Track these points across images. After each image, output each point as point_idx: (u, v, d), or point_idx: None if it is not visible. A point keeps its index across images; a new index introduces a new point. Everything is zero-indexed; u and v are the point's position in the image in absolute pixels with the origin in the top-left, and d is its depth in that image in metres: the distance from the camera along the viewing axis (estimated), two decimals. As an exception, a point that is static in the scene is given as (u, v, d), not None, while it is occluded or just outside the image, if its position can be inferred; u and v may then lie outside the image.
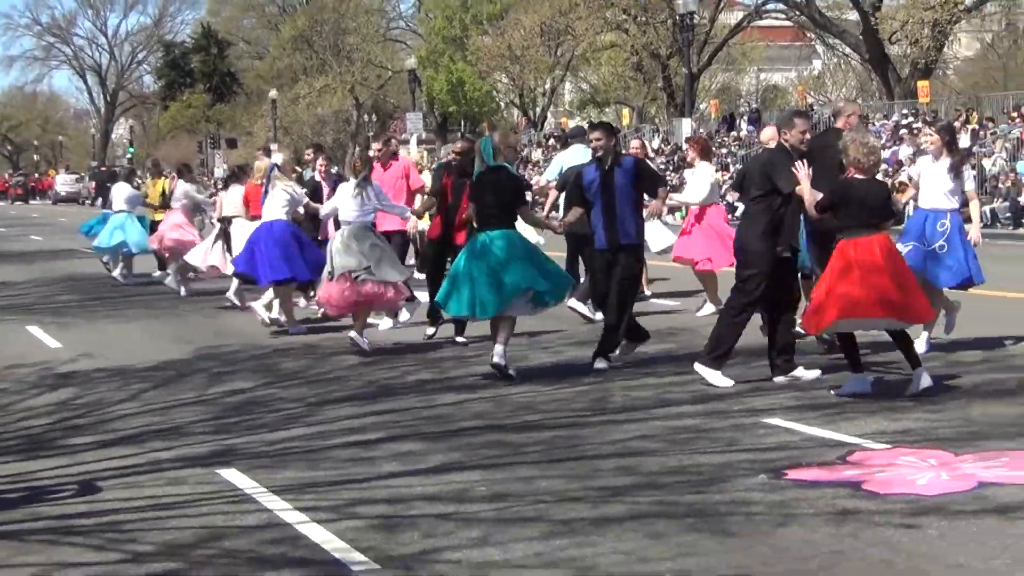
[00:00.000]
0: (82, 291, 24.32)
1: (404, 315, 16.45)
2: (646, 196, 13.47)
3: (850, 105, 15.07)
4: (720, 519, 7.54)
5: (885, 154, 40.11)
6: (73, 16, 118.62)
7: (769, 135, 14.43)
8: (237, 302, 18.74)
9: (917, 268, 12.61)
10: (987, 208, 18.48)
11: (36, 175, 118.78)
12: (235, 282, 18.59)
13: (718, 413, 10.71)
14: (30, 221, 61.76)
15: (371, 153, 17.28)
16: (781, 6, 58.98)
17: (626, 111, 67.97)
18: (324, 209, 15.98)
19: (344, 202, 14.72)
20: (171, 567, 7.07)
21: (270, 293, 16.78)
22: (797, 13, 58.03)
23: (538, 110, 78.74)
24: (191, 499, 8.50)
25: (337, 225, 15.41)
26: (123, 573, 6.99)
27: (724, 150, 50.56)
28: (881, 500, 7.84)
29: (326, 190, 17.50)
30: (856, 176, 11.13)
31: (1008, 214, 34.12)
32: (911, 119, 45.56)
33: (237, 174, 20.68)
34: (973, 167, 15.12)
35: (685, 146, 18.09)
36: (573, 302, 16.10)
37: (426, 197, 16.38)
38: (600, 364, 12.89)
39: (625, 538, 7.21)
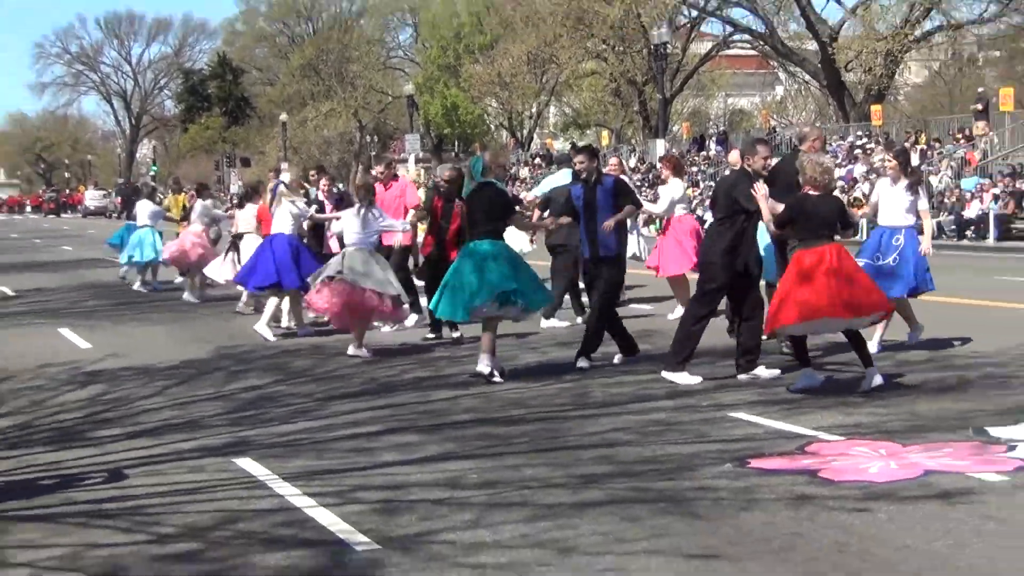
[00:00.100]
0: (109, 296, 24.28)
1: (411, 319, 16.54)
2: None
3: (815, 131, 15.20)
4: (689, 504, 7.57)
5: (841, 172, 40.29)
6: (100, 46, 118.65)
7: (736, 157, 14.54)
8: (246, 311, 18.88)
9: (901, 288, 13.10)
10: (934, 221, 18.51)
11: (67, 191, 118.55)
12: (244, 294, 18.80)
13: (688, 407, 10.74)
14: (61, 233, 61.60)
15: (374, 173, 17.40)
16: (747, 37, 59.01)
17: (605, 133, 68.07)
18: (334, 228, 16.00)
19: (350, 225, 14.73)
20: (191, 547, 7.08)
21: (272, 304, 16.66)
22: (761, 43, 58.11)
23: (525, 132, 78.78)
24: (209, 485, 8.52)
25: (340, 243, 15.52)
26: (148, 553, 7.01)
27: (695, 168, 50.65)
28: (835, 487, 7.87)
29: (328, 207, 17.61)
30: (811, 192, 11.23)
31: (953, 227, 34.24)
32: (865, 140, 45.73)
33: (250, 193, 20.62)
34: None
35: (659, 164, 18.11)
36: (544, 323, 16.21)
37: (419, 210, 16.46)
38: (582, 363, 12.93)
39: (603, 521, 7.24)
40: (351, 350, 14.51)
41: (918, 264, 13.18)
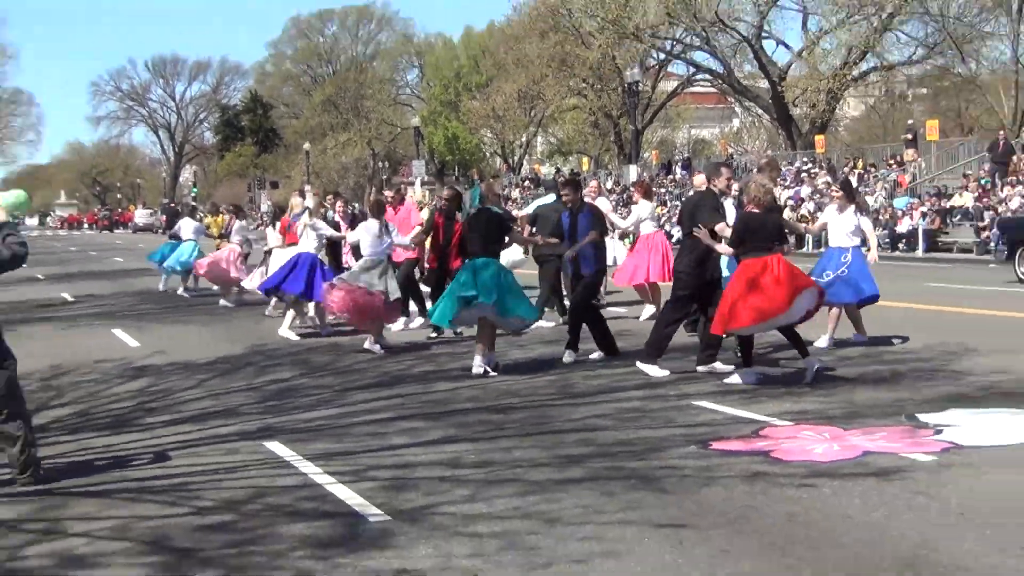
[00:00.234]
0: (156, 301, 24.25)
1: (418, 321, 16.63)
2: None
3: (772, 163, 15.57)
4: (658, 480, 7.57)
5: (790, 193, 40.38)
6: (148, 85, 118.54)
7: (700, 180, 14.64)
8: (274, 314, 18.96)
9: (847, 295, 13.42)
10: (874, 252, 18.55)
11: (119, 210, 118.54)
12: (272, 300, 18.92)
13: (658, 397, 10.73)
14: (113, 247, 61.57)
15: (387, 193, 17.67)
16: (707, 76, 59.10)
17: (585, 159, 68.11)
18: (349, 239, 16.09)
19: (366, 238, 14.82)
20: (227, 519, 7.07)
21: (291, 313, 16.74)
22: (720, 82, 58.21)
23: (516, 158, 78.78)
24: (242, 465, 8.51)
25: (355, 255, 15.64)
26: (189, 524, 7.00)
27: (663, 190, 50.65)
28: (785, 465, 7.87)
29: (344, 226, 17.74)
30: (755, 210, 11.28)
31: (887, 240, 34.28)
32: (810, 166, 45.83)
33: (278, 213, 20.63)
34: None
35: (632, 188, 18.29)
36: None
37: (419, 231, 16.51)
38: (568, 357, 12.97)
39: (583, 495, 7.23)
40: (367, 344, 14.62)
41: (864, 276, 13.51)
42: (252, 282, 20.77)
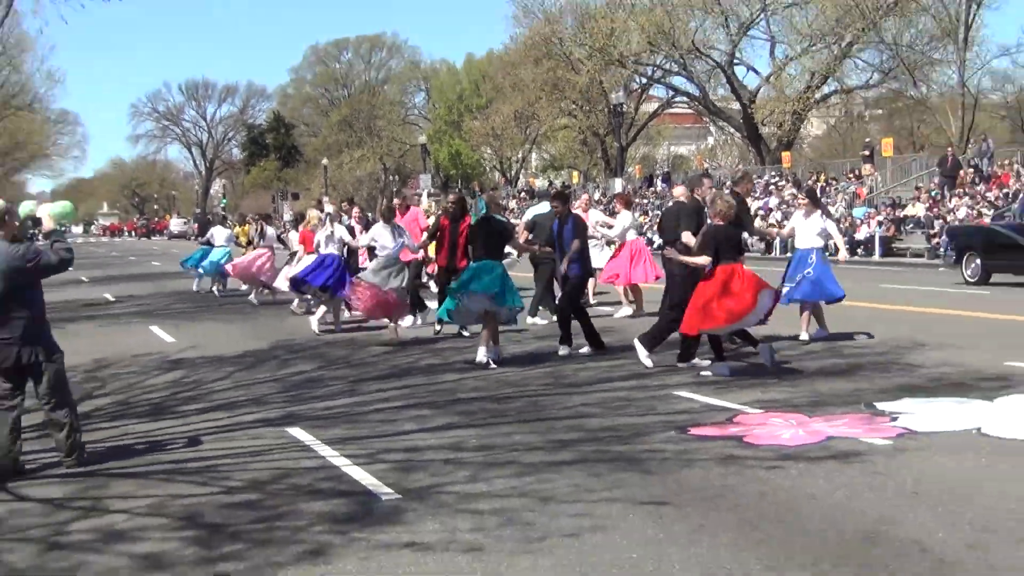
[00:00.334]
0: (189, 301, 24.24)
1: (419, 319, 16.64)
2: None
3: (748, 178, 15.62)
4: (641, 462, 7.56)
5: (760, 203, 40.39)
6: (182, 106, 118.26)
7: (680, 191, 14.59)
8: (298, 311, 18.99)
9: (806, 292, 13.50)
10: (831, 242, 18.58)
11: (155, 219, 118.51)
12: (296, 299, 19.03)
13: (641, 387, 10.72)
14: (150, 252, 61.57)
15: (395, 202, 17.87)
16: (685, 99, 59.14)
17: (575, 173, 68.09)
18: (362, 240, 16.18)
19: (380, 237, 14.95)
20: (253, 497, 7.07)
21: (322, 308, 16.78)
22: (696, 104, 58.21)
23: (513, 172, 78.68)
24: (267, 449, 8.49)
25: (369, 254, 15.69)
26: (219, 502, 6.99)
27: (645, 200, 50.74)
28: (756, 449, 7.86)
29: (359, 229, 17.73)
30: (720, 223, 11.30)
31: (847, 245, 34.31)
32: (777, 179, 45.91)
33: (297, 220, 20.79)
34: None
35: (614, 199, 18.41)
36: (530, 320, 16.28)
37: (425, 236, 16.54)
38: (563, 351, 12.97)
39: (574, 476, 7.22)
40: (386, 336, 14.86)
41: (828, 277, 13.57)
42: (280, 282, 20.80)
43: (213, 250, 25.67)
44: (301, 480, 7.44)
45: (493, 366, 12.32)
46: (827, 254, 14.05)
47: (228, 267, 23.66)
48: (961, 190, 34.63)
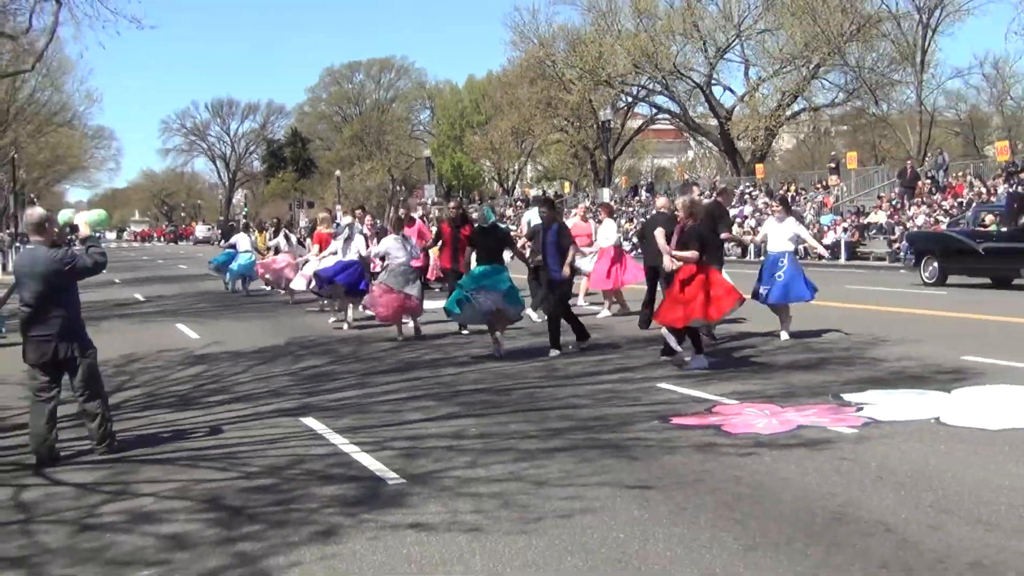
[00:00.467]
0: (212, 301, 24.19)
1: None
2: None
3: (728, 189, 15.68)
4: (628, 449, 7.52)
5: (735, 211, 40.36)
6: (208, 123, 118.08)
7: (662, 201, 14.62)
8: (315, 309, 18.98)
9: (778, 296, 13.33)
10: (801, 247, 18.54)
11: (182, 226, 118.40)
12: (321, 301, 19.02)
13: (627, 380, 10.67)
14: (177, 256, 61.50)
15: (402, 211, 17.85)
16: (667, 116, 59.14)
17: (567, 184, 68.02)
18: (375, 250, 16.03)
19: (392, 250, 14.81)
20: (270, 481, 7.02)
21: (349, 309, 16.80)
22: (677, 120, 58.19)
23: (510, 183, 78.69)
24: (283, 437, 8.44)
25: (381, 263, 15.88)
26: (238, 486, 6.95)
27: (631, 209, 50.74)
28: (733, 437, 7.82)
29: (370, 235, 17.67)
30: (691, 223, 11.23)
31: (827, 254, 34.38)
32: (751, 189, 45.87)
33: (314, 227, 20.83)
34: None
35: (599, 209, 18.43)
36: (531, 312, 16.26)
37: (430, 240, 16.58)
38: (554, 353, 12.69)
39: (565, 462, 7.18)
40: (400, 336, 14.83)
41: (796, 279, 13.42)
42: (299, 283, 20.75)
43: (238, 255, 25.73)
44: (314, 466, 7.39)
45: (499, 356, 12.42)
46: (797, 257, 13.99)
47: (259, 268, 23.68)
48: (919, 199, 34.61)
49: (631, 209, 50.40)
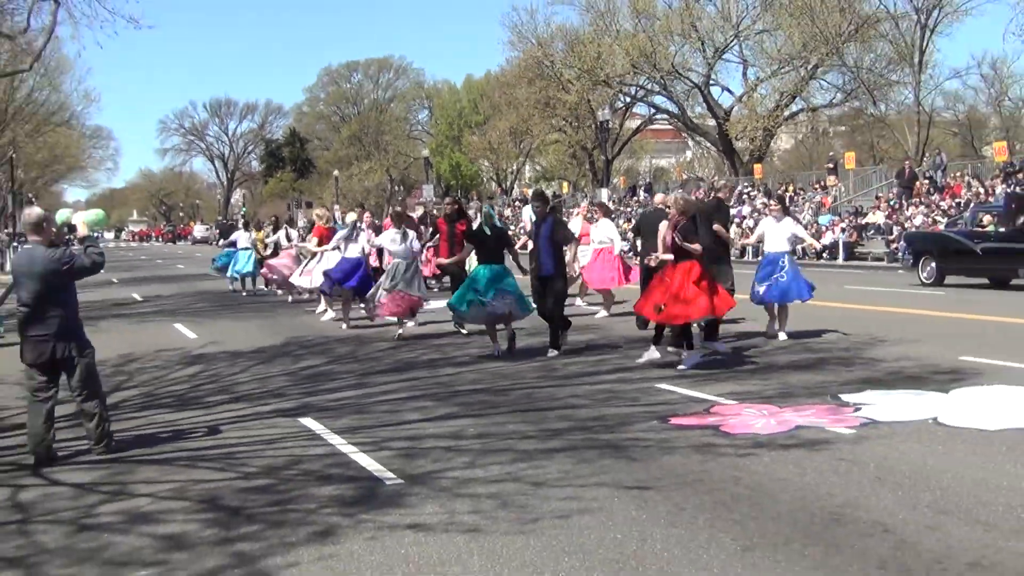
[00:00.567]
0: (210, 301, 24.18)
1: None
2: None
3: (729, 183, 15.66)
4: (626, 450, 7.51)
5: (734, 211, 40.37)
6: (206, 123, 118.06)
7: (661, 198, 14.61)
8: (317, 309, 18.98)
9: (777, 296, 13.31)
10: (800, 247, 18.59)
11: (181, 225, 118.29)
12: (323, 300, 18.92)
13: (626, 380, 10.66)
14: (175, 256, 61.46)
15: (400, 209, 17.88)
16: (665, 116, 59.14)
17: (565, 184, 67.99)
18: (374, 242, 16.08)
19: (391, 242, 14.86)
20: (268, 482, 7.01)
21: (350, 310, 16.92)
22: (675, 120, 58.19)
23: (508, 183, 78.68)
24: (281, 437, 8.43)
25: (379, 256, 15.82)
26: (237, 486, 6.94)
27: (629, 208, 50.74)
28: (732, 438, 7.82)
29: (370, 233, 17.65)
30: (683, 219, 11.22)
31: (820, 249, 34.39)
32: (750, 189, 45.86)
33: (310, 227, 20.88)
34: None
35: (595, 208, 18.36)
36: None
37: (428, 235, 16.64)
38: (552, 353, 12.62)
39: (564, 462, 7.17)
40: (399, 334, 14.85)
41: (796, 280, 13.43)
42: (303, 281, 20.66)
43: (238, 252, 25.78)
44: (312, 466, 7.38)
45: (497, 354, 12.48)
46: (795, 257, 13.99)
47: (265, 269, 23.64)
48: (917, 200, 34.62)
49: (629, 209, 50.41)
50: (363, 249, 16.70)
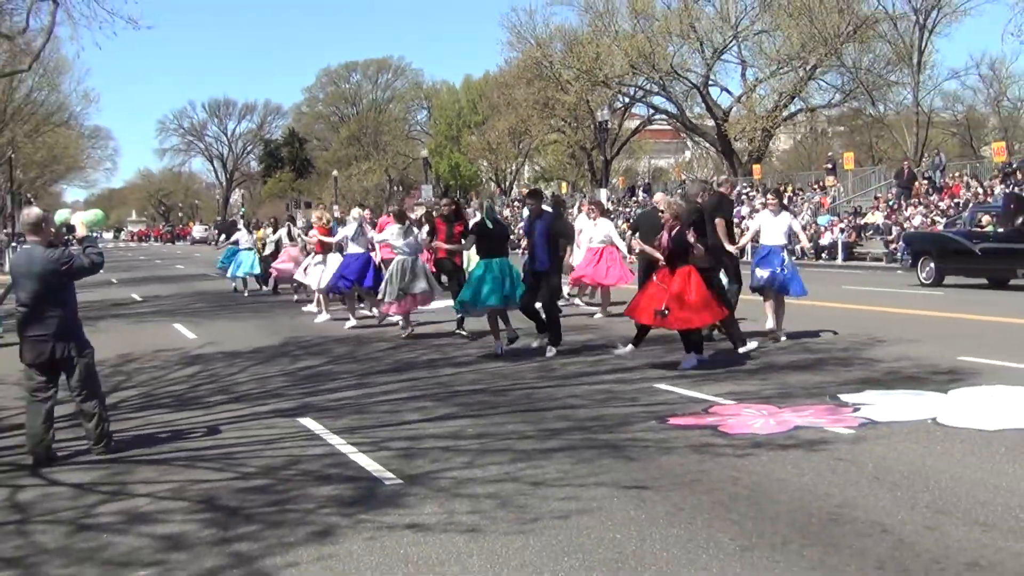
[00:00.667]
0: (209, 301, 24.17)
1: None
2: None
3: (730, 180, 15.71)
4: (625, 450, 7.51)
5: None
6: (205, 123, 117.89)
7: (660, 197, 14.59)
8: (315, 308, 18.97)
9: (778, 286, 13.26)
10: (798, 247, 18.64)
11: (179, 226, 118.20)
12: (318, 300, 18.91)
13: (625, 380, 10.65)
14: (175, 256, 61.42)
15: (395, 208, 17.93)
16: (664, 116, 59.14)
17: (564, 184, 68.05)
18: (378, 237, 16.08)
19: (396, 239, 14.84)
20: (267, 482, 7.01)
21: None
22: (674, 121, 58.18)
23: (507, 183, 78.66)
24: (279, 437, 8.43)
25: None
26: (235, 486, 6.94)
27: (628, 208, 50.74)
28: (730, 438, 7.82)
29: (369, 231, 17.67)
30: (676, 223, 11.21)
31: (811, 251, 34.37)
32: (748, 189, 45.85)
33: (309, 226, 20.88)
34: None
35: (592, 208, 18.31)
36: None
37: (425, 234, 16.66)
38: (550, 352, 12.66)
39: (562, 462, 7.17)
40: (410, 328, 15.02)
41: (796, 275, 13.42)
42: (311, 279, 20.61)
43: (240, 253, 25.85)
44: (311, 466, 7.38)
45: (500, 352, 12.53)
46: (793, 258, 13.98)
47: (273, 271, 23.61)
48: (916, 200, 34.63)
49: (628, 209, 50.41)
50: (370, 241, 16.74)
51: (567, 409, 9.18)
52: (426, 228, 15.64)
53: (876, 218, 34.86)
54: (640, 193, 55.16)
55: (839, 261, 33.11)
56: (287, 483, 6.96)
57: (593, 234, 17.53)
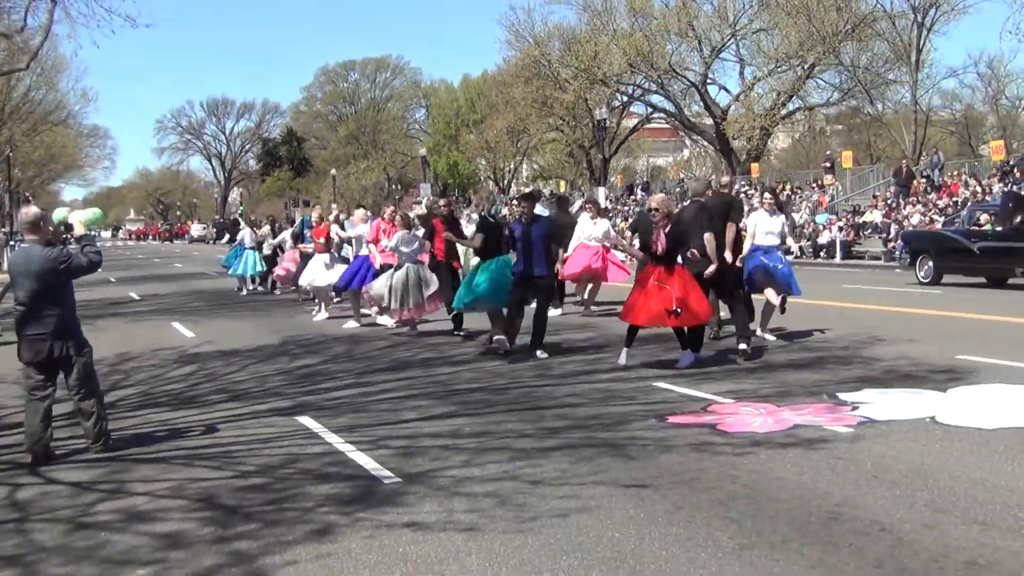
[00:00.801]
0: (207, 299, 24.17)
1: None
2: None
3: (731, 178, 15.71)
4: (624, 448, 7.51)
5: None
6: (203, 122, 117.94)
7: (659, 197, 14.56)
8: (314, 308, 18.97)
9: (779, 280, 13.16)
10: (797, 246, 18.64)
11: (178, 224, 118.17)
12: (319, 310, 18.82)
13: (623, 379, 10.65)
14: (173, 254, 61.40)
15: (386, 211, 17.82)
16: (662, 115, 59.10)
17: (563, 183, 68.01)
18: (387, 244, 15.78)
19: (404, 246, 14.83)
20: (265, 480, 7.00)
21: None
22: (672, 119, 58.14)
23: (505, 182, 78.62)
24: (278, 436, 8.42)
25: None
26: (234, 485, 6.93)
27: (626, 207, 50.74)
28: (729, 436, 7.81)
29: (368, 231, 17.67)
30: (666, 221, 11.19)
31: (810, 249, 34.36)
32: (747, 188, 45.83)
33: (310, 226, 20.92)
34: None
35: (589, 207, 18.27)
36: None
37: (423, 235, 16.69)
38: (541, 354, 12.44)
39: (561, 461, 7.17)
40: (408, 330, 15.16)
41: (793, 276, 13.36)
42: (319, 281, 20.53)
43: (245, 251, 25.88)
44: (309, 465, 7.37)
45: (505, 351, 12.51)
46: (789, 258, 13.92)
47: (277, 273, 23.54)
48: (915, 198, 34.63)
49: (626, 207, 50.42)
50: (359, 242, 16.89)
51: (566, 408, 9.18)
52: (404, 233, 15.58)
53: (874, 217, 34.87)
54: (638, 191, 55.16)
55: (837, 260, 33.10)
56: (285, 481, 6.95)
57: (593, 233, 17.57)
